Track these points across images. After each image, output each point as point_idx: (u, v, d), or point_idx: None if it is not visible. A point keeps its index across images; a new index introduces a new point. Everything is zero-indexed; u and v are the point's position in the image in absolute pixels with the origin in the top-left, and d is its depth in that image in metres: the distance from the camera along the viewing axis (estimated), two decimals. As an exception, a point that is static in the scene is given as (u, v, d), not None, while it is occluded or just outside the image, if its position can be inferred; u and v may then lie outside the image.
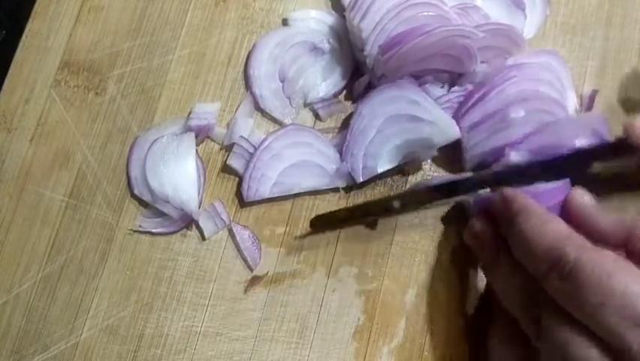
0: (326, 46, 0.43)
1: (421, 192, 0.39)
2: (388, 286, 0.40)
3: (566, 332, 0.29)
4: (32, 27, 0.43)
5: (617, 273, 0.28)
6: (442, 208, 0.41)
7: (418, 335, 0.39)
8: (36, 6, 0.43)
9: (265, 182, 0.40)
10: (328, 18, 0.43)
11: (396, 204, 0.38)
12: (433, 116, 0.38)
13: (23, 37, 0.43)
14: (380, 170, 0.39)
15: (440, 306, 0.39)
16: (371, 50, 0.39)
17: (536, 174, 0.36)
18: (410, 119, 0.38)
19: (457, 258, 0.40)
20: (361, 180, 0.39)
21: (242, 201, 0.40)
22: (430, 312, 0.39)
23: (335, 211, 0.40)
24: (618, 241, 0.32)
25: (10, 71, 0.43)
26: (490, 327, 0.36)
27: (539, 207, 0.33)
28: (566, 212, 0.35)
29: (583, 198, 0.34)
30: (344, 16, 0.42)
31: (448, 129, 0.38)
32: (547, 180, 0.36)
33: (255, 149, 0.40)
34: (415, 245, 0.40)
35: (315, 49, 0.42)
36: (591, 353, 0.28)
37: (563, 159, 0.36)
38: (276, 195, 0.40)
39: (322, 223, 0.40)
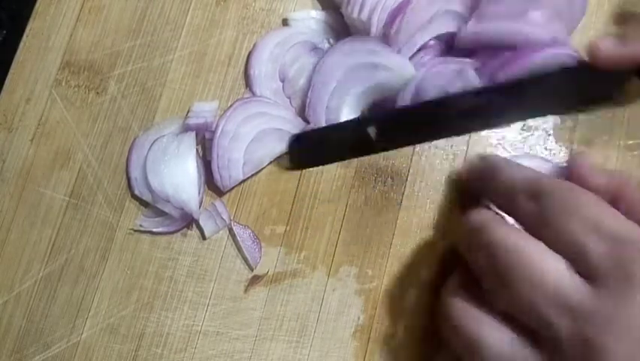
0: (326, 46, 0.43)
1: (405, 115, 0.39)
2: (388, 285, 0.40)
3: (528, 245, 0.30)
4: (33, 27, 0.43)
5: (577, 191, 0.30)
6: (442, 205, 0.41)
7: (418, 334, 0.39)
8: (37, 6, 0.44)
9: (234, 166, 0.40)
10: (328, 18, 0.43)
11: (371, 131, 0.38)
12: (388, 61, 0.38)
13: (24, 37, 0.43)
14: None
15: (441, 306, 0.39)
16: (377, 31, 0.39)
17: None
18: (368, 67, 0.39)
19: (458, 258, 0.40)
20: None
21: (220, 192, 0.40)
22: (429, 312, 0.39)
23: (311, 131, 0.40)
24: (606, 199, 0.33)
25: (11, 71, 0.43)
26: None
27: (509, 160, 0.36)
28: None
29: (580, 161, 0.36)
30: (341, 14, 0.42)
31: (403, 70, 0.39)
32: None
33: (212, 138, 0.40)
34: (415, 245, 0.40)
35: (315, 49, 0.42)
36: (559, 266, 0.29)
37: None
38: (251, 174, 0.40)
39: (303, 149, 0.40)
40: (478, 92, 0.39)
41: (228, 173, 0.40)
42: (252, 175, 0.41)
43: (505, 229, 0.31)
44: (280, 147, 0.41)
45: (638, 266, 0.26)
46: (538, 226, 0.30)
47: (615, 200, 0.32)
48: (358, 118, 0.40)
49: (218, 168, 0.39)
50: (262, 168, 0.41)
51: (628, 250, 0.27)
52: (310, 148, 0.41)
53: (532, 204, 0.31)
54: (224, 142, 0.39)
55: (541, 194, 0.31)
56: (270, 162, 0.41)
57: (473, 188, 0.38)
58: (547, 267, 0.28)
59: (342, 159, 0.41)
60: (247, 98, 0.41)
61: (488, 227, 0.32)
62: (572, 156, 0.37)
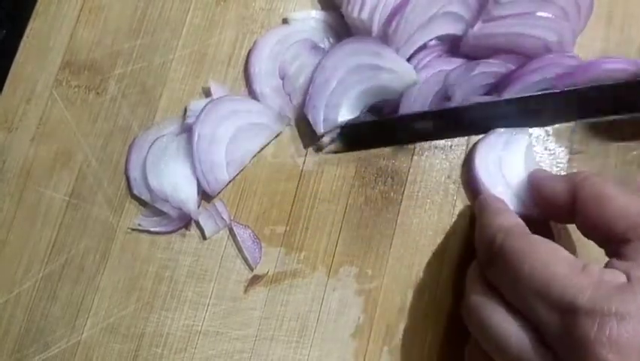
0: (327, 44, 0.43)
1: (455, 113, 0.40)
2: (388, 285, 0.40)
3: (491, 310, 0.30)
4: (33, 27, 0.43)
5: (526, 251, 0.29)
6: (443, 207, 0.41)
7: (418, 334, 0.39)
8: (37, 6, 0.44)
9: (219, 168, 0.40)
10: (328, 18, 0.43)
11: (426, 124, 0.39)
12: (392, 64, 0.38)
13: (24, 37, 0.43)
14: (340, 120, 0.40)
15: (440, 306, 0.39)
16: (378, 31, 0.39)
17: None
18: (370, 69, 0.39)
19: (458, 258, 0.40)
20: (322, 131, 0.40)
21: (209, 196, 0.40)
22: (430, 312, 0.39)
23: (362, 122, 0.40)
24: (567, 201, 0.33)
25: (12, 71, 0.43)
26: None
27: (492, 205, 0.35)
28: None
29: (540, 171, 0.37)
30: (341, 14, 0.42)
31: (406, 75, 0.39)
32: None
33: (191, 144, 0.40)
34: (415, 245, 0.40)
35: (316, 47, 0.42)
36: (521, 336, 0.29)
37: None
38: (236, 173, 0.40)
39: (351, 135, 0.40)
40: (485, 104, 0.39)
41: (214, 176, 0.40)
42: (237, 174, 0.41)
43: (474, 298, 0.32)
44: (259, 141, 0.41)
45: (591, 342, 0.25)
46: (499, 287, 0.31)
47: (573, 203, 0.32)
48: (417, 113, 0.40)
49: (202, 173, 0.39)
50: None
51: (580, 322, 0.26)
52: (363, 135, 0.41)
53: (489, 266, 0.32)
54: (203, 147, 0.39)
55: (495, 255, 0.31)
56: (253, 159, 0.41)
57: None
58: (510, 338, 0.29)
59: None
60: (217, 98, 0.41)
61: (468, 290, 0.33)
62: (531, 172, 0.38)
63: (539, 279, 0.28)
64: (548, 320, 0.27)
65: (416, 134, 0.41)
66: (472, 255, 0.39)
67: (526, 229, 0.32)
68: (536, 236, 0.31)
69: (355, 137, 0.41)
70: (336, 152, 0.41)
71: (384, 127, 0.41)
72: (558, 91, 0.38)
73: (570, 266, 0.28)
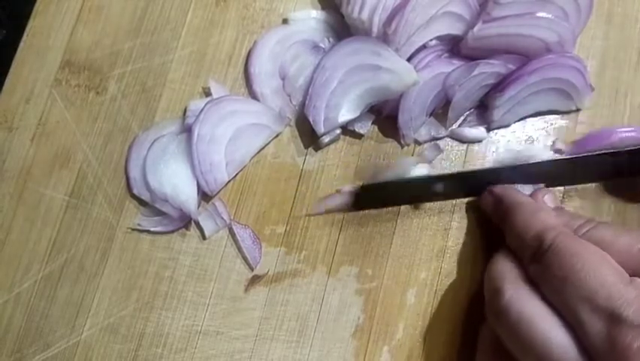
0: (327, 44, 0.43)
1: (469, 176, 0.39)
2: (388, 285, 0.40)
3: (532, 306, 0.30)
4: (33, 26, 0.43)
5: (580, 253, 0.29)
6: (444, 206, 0.41)
7: (418, 334, 0.39)
8: (37, 5, 0.44)
9: (218, 168, 0.40)
10: (329, 18, 0.43)
11: (439, 187, 0.38)
12: (392, 64, 0.38)
13: (24, 36, 0.43)
14: (341, 120, 0.40)
15: (440, 306, 0.39)
16: (378, 31, 0.39)
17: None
18: (370, 69, 0.39)
19: (458, 258, 0.40)
20: (323, 131, 0.40)
21: (209, 196, 0.40)
22: (430, 312, 0.39)
23: (380, 183, 0.40)
24: None
25: (11, 71, 0.43)
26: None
27: (528, 200, 0.36)
28: None
29: (544, 197, 0.37)
30: (341, 14, 0.42)
31: (406, 76, 0.39)
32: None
33: (190, 144, 0.39)
34: (415, 245, 0.40)
35: (316, 47, 0.42)
36: (563, 339, 0.29)
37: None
38: (235, 173, 0.41)
39: (368, 195, 0.40)
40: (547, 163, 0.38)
41: (213, 176, 0.39)
42: (237, 174, 0.41)
43: (512, 293, 0.31)
44: (259, 141, 0.41)
45: (633, 353, 0.26)
46: (542, 284, 0.31)
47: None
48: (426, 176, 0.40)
49: (201, 173, 0.39)
50: (244, 167, 0.41)
51: (624, 333, 0.26)
52: (375, 196, 0.40)
53: (536, 262, 0.31)
54: (202, 147, 0.39)
55: (545, 252, 0.31)
56: (252, 158, 0.41)
57: (492, 215, 0.38)
58: (551, 340, 0.29)
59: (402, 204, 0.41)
60: (217, 98, 0.41)
61: (500, 288, 0.32)
62: (535, 193, 0.38)
63: (589, 282, 0.28)
64: (591, 324, 0.28)
65: (431, 195, 0.40)
66: (472, 254, 0.40)
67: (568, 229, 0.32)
68: (584, 241, 0.31)
69: (370, 197, 0.40)
70: (346, 210, 0.41)
71: (400, 187, 0.40)
72: (573, 156, 0.38)
73: (620, 275, 0.28)
